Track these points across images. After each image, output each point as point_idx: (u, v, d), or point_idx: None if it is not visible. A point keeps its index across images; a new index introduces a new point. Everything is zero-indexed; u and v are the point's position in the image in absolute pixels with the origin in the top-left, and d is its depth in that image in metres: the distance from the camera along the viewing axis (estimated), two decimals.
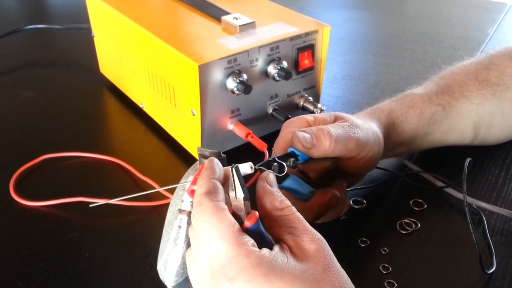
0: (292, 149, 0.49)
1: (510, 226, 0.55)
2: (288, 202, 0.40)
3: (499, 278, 0.49)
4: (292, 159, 0.48)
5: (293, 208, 0.39)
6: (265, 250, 0.36)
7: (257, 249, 0.35)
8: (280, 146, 0.51)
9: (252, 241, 0.36)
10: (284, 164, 0.46)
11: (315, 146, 0.48)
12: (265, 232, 0.39)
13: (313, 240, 0.37)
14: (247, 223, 0.37)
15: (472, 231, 0.50)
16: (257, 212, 0.38)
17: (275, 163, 0.46)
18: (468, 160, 0.52)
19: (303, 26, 0.66)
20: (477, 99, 0.60)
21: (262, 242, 0.37)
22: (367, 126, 0.53)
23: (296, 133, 0.49)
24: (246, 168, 0.41)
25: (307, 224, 0.38)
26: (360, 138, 0.50)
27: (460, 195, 0.57)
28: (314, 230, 0.38)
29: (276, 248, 0.37)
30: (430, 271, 0.50)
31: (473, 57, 0.65)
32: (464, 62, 0.65)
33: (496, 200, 0.58)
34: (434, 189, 0.59)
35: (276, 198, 0.40)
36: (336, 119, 0.53)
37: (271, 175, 0.42)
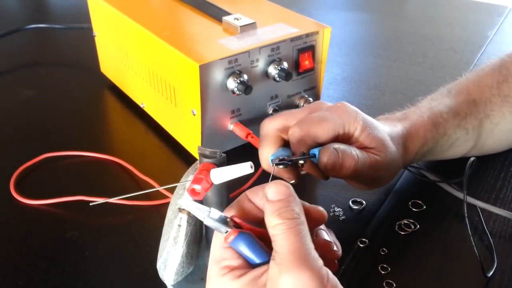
0: (315, 151, 0.48)
1: (508, 228, 0.55)
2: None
3: (498, 279, 0.49)
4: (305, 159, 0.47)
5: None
6: None
7: None
8: (268, 142, 0.51)
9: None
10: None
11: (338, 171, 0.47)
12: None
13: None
14: None
15: (470, 232, 0.50)
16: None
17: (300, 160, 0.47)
18: (472, 159, 0.52)
19: (304, 27, 0.66)
20: (496, 118, 0.59)
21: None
22: (392, 157, 0.51)
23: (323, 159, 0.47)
24: (246, 167, 0.41)
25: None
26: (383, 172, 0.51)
27: (459, 194, 0.57)
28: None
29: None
30: (429, 272, 0.50)
31: (474, 60, 0.64)
32: (484, 71, 0.63)
33: (495, 202, 0.58)
34: (433, 190, 0.60)
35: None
36: (364, 133, 0.50)
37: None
